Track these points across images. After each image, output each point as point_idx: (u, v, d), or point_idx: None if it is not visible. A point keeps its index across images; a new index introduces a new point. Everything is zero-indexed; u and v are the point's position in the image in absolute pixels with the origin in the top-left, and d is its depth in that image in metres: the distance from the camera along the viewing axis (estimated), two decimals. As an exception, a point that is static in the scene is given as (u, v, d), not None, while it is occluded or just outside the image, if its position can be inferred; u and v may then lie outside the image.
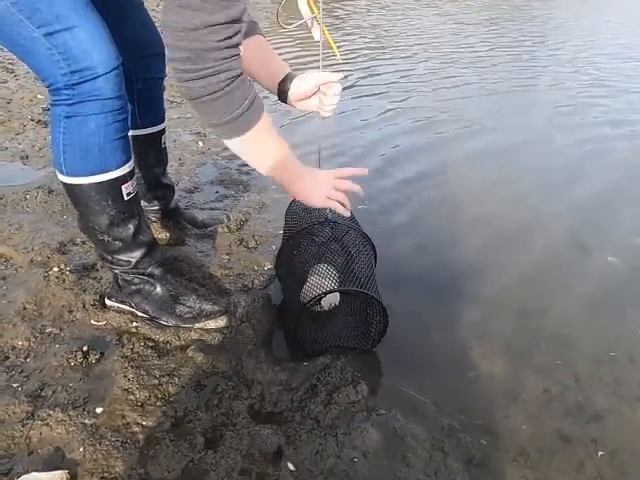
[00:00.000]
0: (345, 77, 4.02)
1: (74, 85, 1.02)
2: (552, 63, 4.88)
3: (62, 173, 1.13)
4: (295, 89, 1.23)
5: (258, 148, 1.07)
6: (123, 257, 1.26)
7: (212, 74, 0.89)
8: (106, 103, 1.06)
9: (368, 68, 4.36)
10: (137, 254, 1.27)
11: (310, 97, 1.25)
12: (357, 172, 1.24)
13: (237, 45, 0.91)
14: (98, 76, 1.02)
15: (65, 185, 1.16)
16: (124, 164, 1.15)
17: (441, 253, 1.86)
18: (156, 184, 1.69)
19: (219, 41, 0.86)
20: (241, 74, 0.94)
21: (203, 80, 0.89)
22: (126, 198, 1.18)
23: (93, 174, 1.11)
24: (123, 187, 1.16)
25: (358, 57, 4.74)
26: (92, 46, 1.00)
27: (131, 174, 1.18)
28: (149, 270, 1.31)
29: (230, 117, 0.96)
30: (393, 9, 7.89)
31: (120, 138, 1.12)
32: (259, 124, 1.01)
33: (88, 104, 1.04)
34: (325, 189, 1.17)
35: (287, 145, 1.10)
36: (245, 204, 2.07)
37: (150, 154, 1.61)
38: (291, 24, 1.36)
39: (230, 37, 0.87)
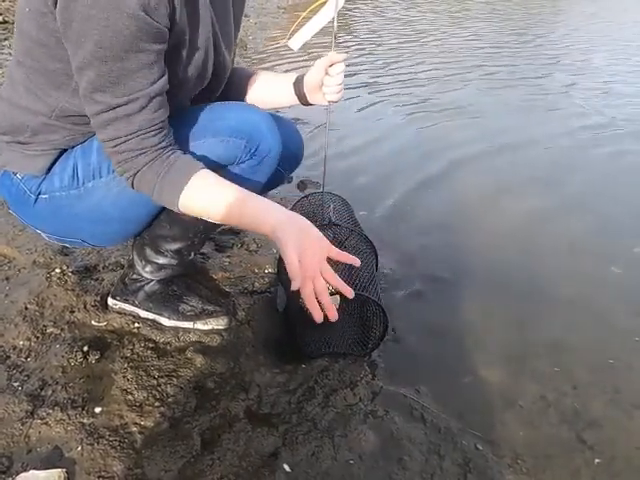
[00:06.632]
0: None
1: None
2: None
3: None
4: (309, 82, 1.20)
5: (206, 196, 1.01)
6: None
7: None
8: None
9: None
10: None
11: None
12: (349, 260, 1.04)
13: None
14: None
15: None
16: None
17: (441, 258, 1.86)
18: None
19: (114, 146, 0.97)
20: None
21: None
22: None
23: None
24: None
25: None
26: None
27: None
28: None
29: (158, 182, 0.99)
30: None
31: None
32: (194, 178, 0.99)
33: None
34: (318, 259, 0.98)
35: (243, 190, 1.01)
36: (247, 208, 2.08)
37: None
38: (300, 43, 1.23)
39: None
